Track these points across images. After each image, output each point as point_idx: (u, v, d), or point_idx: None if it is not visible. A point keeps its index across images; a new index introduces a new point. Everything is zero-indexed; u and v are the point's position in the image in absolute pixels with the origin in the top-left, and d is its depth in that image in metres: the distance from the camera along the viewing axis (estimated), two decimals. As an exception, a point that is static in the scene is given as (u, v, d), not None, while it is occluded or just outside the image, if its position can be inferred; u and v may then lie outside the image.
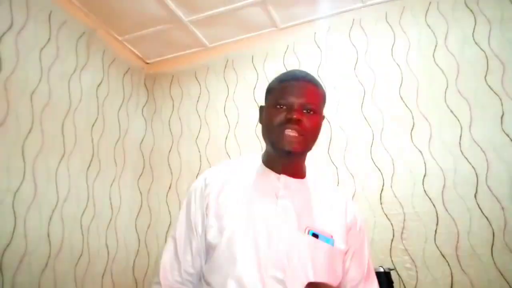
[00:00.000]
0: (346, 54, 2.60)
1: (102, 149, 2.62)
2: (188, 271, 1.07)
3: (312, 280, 0.98)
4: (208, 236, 1.04)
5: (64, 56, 2.43)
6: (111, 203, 2.62)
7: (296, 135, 1.01)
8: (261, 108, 1.18)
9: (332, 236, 1.05)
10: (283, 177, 1.10)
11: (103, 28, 2.78)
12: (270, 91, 1.13)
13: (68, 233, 2.24)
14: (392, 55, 2.45)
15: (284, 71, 1.19)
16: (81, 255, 2.30)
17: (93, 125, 2.58)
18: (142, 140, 3.07)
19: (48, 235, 2.11)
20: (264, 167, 1.13)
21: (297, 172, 1.13)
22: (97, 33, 2.72)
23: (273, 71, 2.73)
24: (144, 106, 3.17)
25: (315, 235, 1.03)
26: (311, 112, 1.05)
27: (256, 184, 1.09)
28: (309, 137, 1.05)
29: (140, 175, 2.98)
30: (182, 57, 3.17)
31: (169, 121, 3.11)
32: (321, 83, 1.15)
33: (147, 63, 3.27)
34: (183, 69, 3.17)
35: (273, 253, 0.99)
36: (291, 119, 1.00)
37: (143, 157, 3.04)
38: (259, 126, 1.18)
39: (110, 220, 2.59)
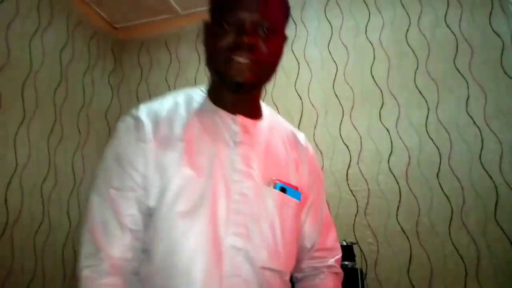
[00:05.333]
0: (321, 30, 2.58)
1: (65, 116, 2.51)
2: (137, 239, 0.79)
3: (280, 246, 0.83)
4: (147, 195, 0.79)
5: (25, 14, 2.28)
6: (73, 172, 2.53)
7: (248, 61, 0.77)
8: (204, 24, 0.86)
9: (298, 188, 0.89)
10: (240, 118, 0.87)
11: (68, -13, 2.63)
12: (213, 0, 0.84)
13: (28, 200, 2.15)
14: (366, 33, 2.45)
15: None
16: (41, 223, 2.22)
17: (55, 90, 2.46)
18: (108, 108, 2.96)
19: (6, 202, 2.02)
20: (211, 103, 0.88)
21: (254, 111, 0.91)
22: (61, -8, 2.57)
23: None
24: (110, 73, 3.04)
25: (282, 189, 0.85)
26: (269, 33, 0.79)
27: (206, 125, 0.84)
28: (266, 66, 0.81)
29: (105, 145, 2.88)
30: (152, 23, 3.05)
31: (136, 90, 3.01)
32: None
33: (115, 28, 3.13)
34: (153, 37, 3.05)
35: (233, 216, 0.79)
36: (241, 44, 0.75)
37: (109, 126, 2.94)
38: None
39: (73, 189, 2.51)
